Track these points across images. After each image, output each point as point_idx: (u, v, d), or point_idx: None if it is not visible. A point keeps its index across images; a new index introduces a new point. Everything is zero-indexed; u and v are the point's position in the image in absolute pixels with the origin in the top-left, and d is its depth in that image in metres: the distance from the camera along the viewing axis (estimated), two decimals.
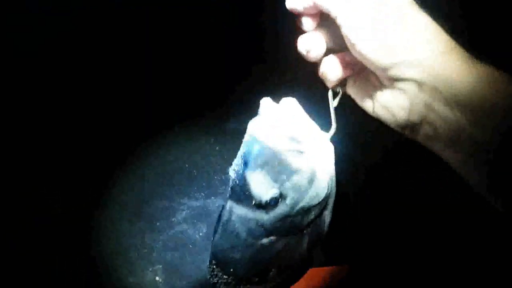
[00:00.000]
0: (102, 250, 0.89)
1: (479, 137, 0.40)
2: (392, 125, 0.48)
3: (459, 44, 0.43)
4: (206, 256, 0.84)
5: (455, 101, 0.41)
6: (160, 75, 1.02)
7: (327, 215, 0.62)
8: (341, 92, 0.53)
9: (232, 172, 0.54)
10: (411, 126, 0.46)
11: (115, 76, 1.01)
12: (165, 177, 0.93)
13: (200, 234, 0.88)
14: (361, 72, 0.49)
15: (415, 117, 0.45)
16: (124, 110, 1.02)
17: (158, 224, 0.89)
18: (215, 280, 0.65)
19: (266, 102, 0.52)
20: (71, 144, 0.99)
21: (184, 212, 0.89)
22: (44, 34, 0.95)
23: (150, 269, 0.88)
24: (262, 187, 0.52)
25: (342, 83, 0.51)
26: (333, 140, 0.55)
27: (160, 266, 0.87)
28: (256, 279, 0.64)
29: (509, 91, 0.40)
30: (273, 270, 0.63)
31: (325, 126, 0.54)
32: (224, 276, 0.63)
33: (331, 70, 0.49)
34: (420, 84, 0.43)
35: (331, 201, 0.61)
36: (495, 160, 0.40)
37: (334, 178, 0.60)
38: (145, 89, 1.04)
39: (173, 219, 0.89)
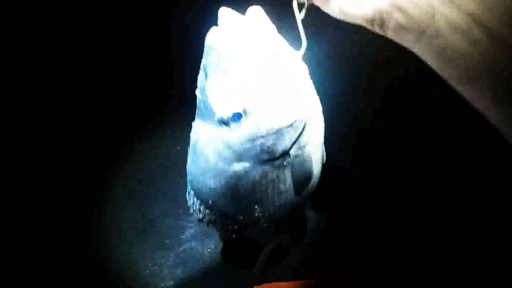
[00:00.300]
0: (112, 268, 0.90)
1: (454, 19, 0.38)
2: (361, 22, 0.46)
3: None
4: (216, 272, 0.86)
5: None
6: (169, 91, 1.04)
7: (314, 150, 0.60)
8: (307, 3, 0.51)
9: (197, 91, 0.53)
10: (380, 19, 0.44)
11: (121, 81, 1.04)
12: (173, 196, 0.95)
13: (209, 250, 0.90)
14: None
15: (383, 5, 0.42)
16: (130, 126, 1.05)
17: (167, 241, 0.91)
18: (200, 216, 0.63)
19: (225, 12, 0.50)
20: (72, 146, 1.02)
21: (193, 230, 0.91)
22: (43, 35, 0.99)
23: (162, 285, 0.89)
24: (222, 100, 0.50)
25: None
26: (305, 58, 0.53)
27: (172, 282, 0.89)
28: (241, 217, 0.61)
29: None
30: (257, 207, 0.61)
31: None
32: (207, 211, 0.61)
33: None
34: None
35: (314, 133, 0.58)
36: (471, 46, 0.38)
37: (317, 106, 0.57)
38: (153, 104, 1.05)
39: (182, 237, 0.91)
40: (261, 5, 0.54)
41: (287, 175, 0.59)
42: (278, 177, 0.59)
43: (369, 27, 0.46)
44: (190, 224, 0.92)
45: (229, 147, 0.54)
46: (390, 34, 0.45)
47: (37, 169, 0.99)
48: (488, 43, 0.37)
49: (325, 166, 0.68)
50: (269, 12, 0.54)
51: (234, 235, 0.68)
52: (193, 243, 0.90)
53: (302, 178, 0.61)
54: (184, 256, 0.89)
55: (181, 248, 0.90)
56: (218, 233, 0.72)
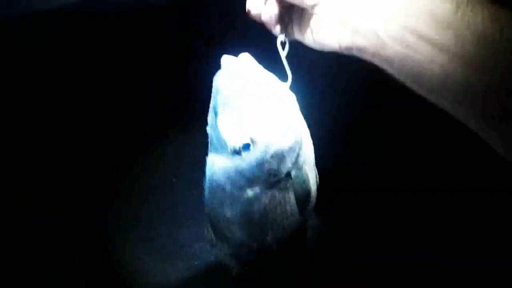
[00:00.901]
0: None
1: (393, 32, 0.49)
2: (331, 48, 0.58)
3: None
4: None
5: (364, 6, 0.52)
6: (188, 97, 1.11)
7: (309, 170, 0.69)
8: (288, 42, 0.63)
9: (208, 129, 0.63)
10: (346, 46, 0.56)
11: (132, 84, 1.13)
12: (201, 220, 1.00)
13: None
14: (298, 15, 0.61)
15: (343, 34, 0.55)
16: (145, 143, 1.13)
17: (196, 263, 0.96)
18: (218, 250, 0.70)
19: (226, 58, 0.62)
20: (78, 150, 1.09)
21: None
22: (48, 35, 1.04)
23: None
24: (233, 132, 0.61)
25: (287, 30, 0.62)
26: (292, 88, 0.65)
27: None
28: (255, 244, 0.69)
29: None
30: (269, 232, 0.69)
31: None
32: (224, 244, 0.68)
33: (270, 14, 0.61)
34: (335, 3, 0.55)
35: (307, 154, 0.69)
36: (409, 51, 0.49)
37: (306, 130, 0.68)
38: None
39: (212, 259, 0.96)
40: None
41: (291, 196, 0.68)
42: (284, 199, 0.68)
43: (348, 53, 0.58)
44: None
45: (242, 174, 0.63)
46: (356, 54, 0.57)
47: (37, 169, 1.04)
48: (426, 49, 0.48)
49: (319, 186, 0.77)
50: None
51: (247, 267, 0.76)
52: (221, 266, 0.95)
53: (304, 197, 0.70)
54: (213, 277, 0.93)
55: (210, 270, 0.95)
56: (232, 269, 0.78)
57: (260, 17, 0.63)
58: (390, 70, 0.54)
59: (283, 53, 0.65)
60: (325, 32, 0.58)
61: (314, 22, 0.59)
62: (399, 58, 0.51)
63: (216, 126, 0.62)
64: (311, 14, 0.59)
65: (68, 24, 1.02)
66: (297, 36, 0.63)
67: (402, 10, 0.49)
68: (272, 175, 0.65)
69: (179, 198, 1.06)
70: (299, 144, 0.66)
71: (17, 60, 1.01)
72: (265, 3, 0.63)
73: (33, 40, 1.02)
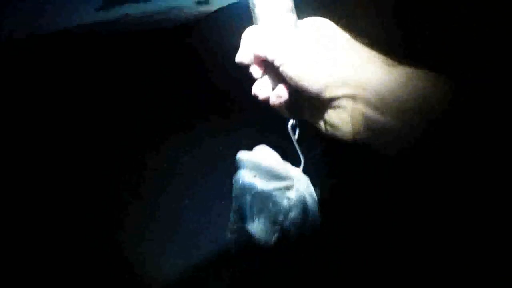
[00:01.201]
0: None
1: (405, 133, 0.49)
2: (344, 139, 0.56)
3: (380, 51, 0.53)
4: None
5: (382, 105, 0.51)
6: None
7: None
8: (298, 128, 0.61)
9: (231, 234, 0.58)
10: (359, 138, 0.54)
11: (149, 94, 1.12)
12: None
13: None
14: (311, 104, 0.58)
15: (358, 128, 0.54)
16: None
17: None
18: None
19: (242, 154, 0.58)
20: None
21: None
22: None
23: None
24: (266, 232, 0.56)
25: (297, 114, 0.60)
26: (305, 171, 0.62)
27: None
28: None
29: (419, 86, 0.49)
30: None
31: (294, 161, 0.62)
32: None
33: (279, 100, 0.58)
34: (353, 97, 0.53)
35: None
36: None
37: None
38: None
39: None
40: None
41: None
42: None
43: (352, 142, 0.56)
44: None
45: None
46: (376, 148, 0.55)
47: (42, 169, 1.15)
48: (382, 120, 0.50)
49: None
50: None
51: None
52: None
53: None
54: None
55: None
56: None
57: (268, 101, 0.60)
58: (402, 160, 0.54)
59: (294, 137, 0.62)
60: (340, 125, 0.55)
61: (329, 114, 0.56)
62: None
63: (245, 228, 0.57)
64: (327, 107, 0.56)
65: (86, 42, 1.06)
66: (309, 120, 0.61)
67: (417, 111, 0.49)
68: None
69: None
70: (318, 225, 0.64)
71: (19, 61, 1.03)
72: (272, 89, 0.59)
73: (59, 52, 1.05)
